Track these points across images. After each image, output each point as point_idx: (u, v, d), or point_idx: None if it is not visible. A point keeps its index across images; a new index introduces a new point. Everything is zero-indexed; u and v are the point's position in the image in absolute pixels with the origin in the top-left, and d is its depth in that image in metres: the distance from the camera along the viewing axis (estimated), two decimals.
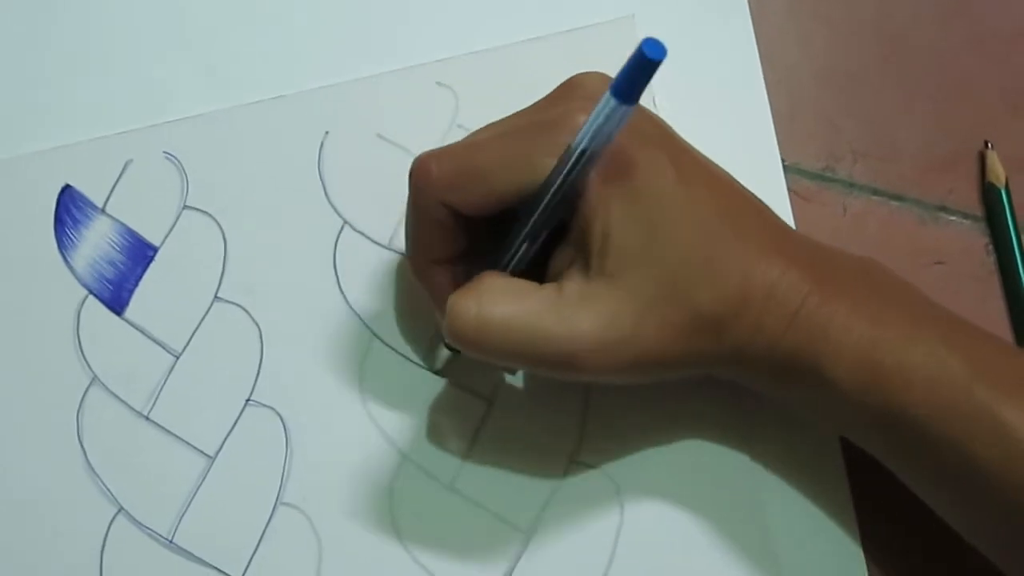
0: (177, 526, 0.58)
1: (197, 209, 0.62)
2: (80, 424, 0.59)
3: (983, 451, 0.46)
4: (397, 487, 0.58)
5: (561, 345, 0.47)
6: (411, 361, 0.60)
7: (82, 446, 0.59)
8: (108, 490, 0.58)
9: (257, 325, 0.60)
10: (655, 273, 0.47)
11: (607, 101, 0.44)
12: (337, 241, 0.61)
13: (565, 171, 0.47)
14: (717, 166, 0.51)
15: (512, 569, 0.58)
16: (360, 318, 0.60)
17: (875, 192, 0.62)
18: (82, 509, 0.58)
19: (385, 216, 0.61)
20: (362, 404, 0.59)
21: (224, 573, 0.58)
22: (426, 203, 0.50)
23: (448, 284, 0.52)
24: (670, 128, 0.51)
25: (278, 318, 0.60)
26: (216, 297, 0.60)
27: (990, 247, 0.62)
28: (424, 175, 0.49)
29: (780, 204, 0.62)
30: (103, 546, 0.58)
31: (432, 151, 0.50)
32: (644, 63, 0.41)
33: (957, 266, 0.61)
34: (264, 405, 0.59)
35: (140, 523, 0.58)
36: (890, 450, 0.50)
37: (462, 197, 0.49)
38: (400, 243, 0.61)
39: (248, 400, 0.59)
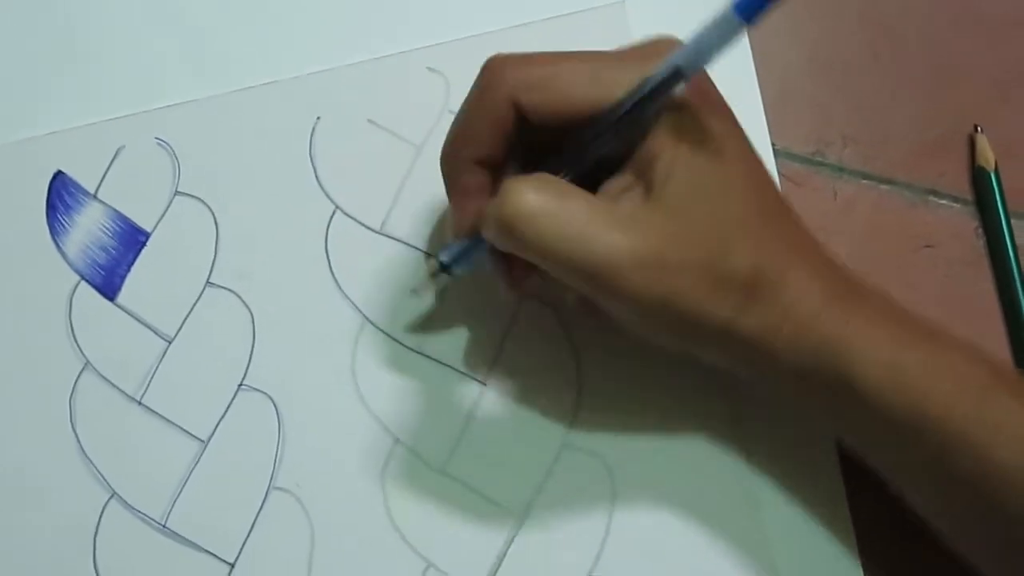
0: (170, 511, 0.57)
1: (189, 195, 0.61)
2: (73, 409, 0.58)
3: (1007, 458, 0.45)
4: (389, 471, 0.57)
5: (609, 252, 0.46)
6: (403, 345, 0.59)
7: (75, 431, 0.58)
8: (101, 475, 0.57)
9: (249, 310, 0.59)
10: (711, 220, 0.47)
11: (726, 15, 0.43)
12: (329, 226, 0.60)
13: (654, 83, 0.46)
14: (767, 170, 0.51)
15: (505, 552, 0.57)
16: (352, 302, 0.59)
17: (865, 176, 0.62)
18: (75, 494, 0.57)
19: (376, 201, 0.61)
20: (354, 388, 0.58)
21: (217, 557, 0.57)
22: (494, 97, 0.48)
23: (476, 186, 0.50)
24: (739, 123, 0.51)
25: (270, 303, 0.59)
26: (208, 282, 0.59)
27: (980, 230, 0.61)
28: (500, 69, 0.48)
29: None
30: (96, 531, 0.57)
31: (511, 53, 0.49)
32: None
33: (947, 249, 0.60)
34: (256, 390, 0.58)
35: (133, 508, 0.57)
36: (906, 457, 0.49)
37: (536, 97, 0.47)
38: (392, 228, 0.60)
39: (240, 385, 0.58)
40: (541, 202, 0.46)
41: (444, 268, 0.55)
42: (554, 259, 0.47)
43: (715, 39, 0.44)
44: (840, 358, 0.47)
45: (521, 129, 0.49)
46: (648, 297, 0.46)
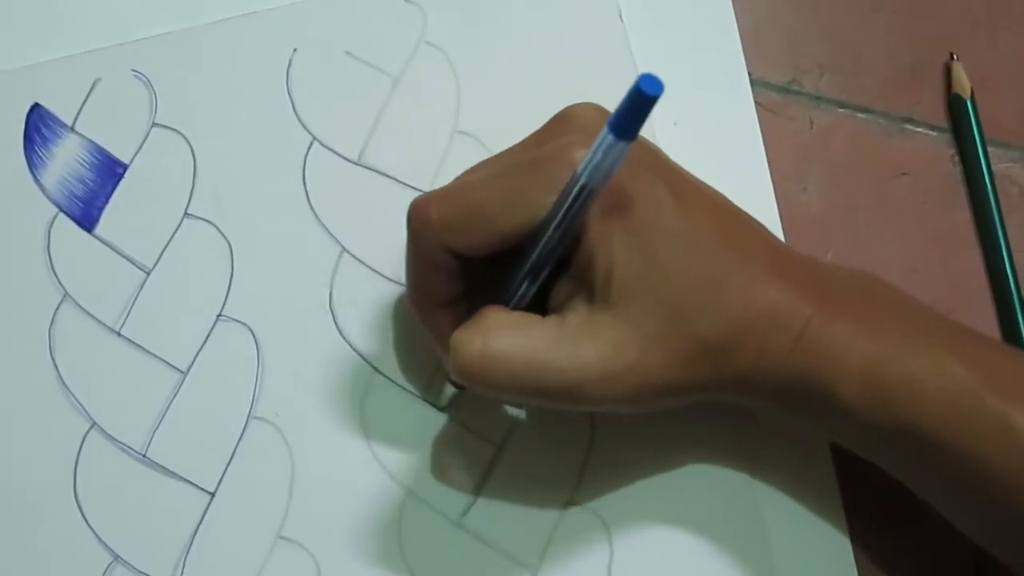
0: (150, 440, 0.54)
1: (166, 127, 0.58)
2: (52, 341, 0.55)
3: (997, 459, 0.43)
4: (369, 400, 0.55)
5: (566, 376, 0.44)
6: (381, 275, 0.56)
7: (54, 362, 0.55)
8: (81, 405, 0.54)
9: (227, 241, 0.56)
10: (658, 302, 0.44)
11: (604, 137, 0.40)
12: (306, 157, 0.57)
13: (565, 207, 0.43)
14: (713, 189, 0.48)
15: (484, 482, 0.55)
16: (329, 232, 0.56)
17: (841, 105, 0.59)
18: (55, 425, 0.55)
19: (354, 132, 0.58)
20: (332, 317, 0.56)
21: (197, 486, 0.54)
22: (426, 247, 0.47)
23: (450, 325, 0.48)
24: (663, 154, 0.48)
25: (248, 234, 0.57)
26: (186, 213, 0.57)
27: (956, 158, 0.58)
28: (423, 219, 0.46)
29: (747, 118, 0.58)
30: (76, 461, 0.54)
31: (429, 194, 0.47)
32: (642, 100, 0.38)
33: (923, 177, 0.58)
34: (235, 320, 0.56)
35: (113, 438, 0.54)
36: (903, 464, 0.47)
37: (463, 239, 0.46)
38: (369, 159, 0.58)
39: (219, 315, 0.56)
40: (489, 347, 0.45)
41: (456, 384, 0.54)
42: (517, 396, 0.46)
43: (603, 158, 0.41)
44: (821, 379, 0.45)
45: (467, 259, 0.47)
46: (621, 396, 0.45)
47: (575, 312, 0.46)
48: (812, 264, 0.49)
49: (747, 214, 0.49)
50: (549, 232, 0.44)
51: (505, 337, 0.45)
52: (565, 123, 0.47)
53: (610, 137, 0.40)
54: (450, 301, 0.49)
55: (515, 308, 0.48)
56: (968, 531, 0.48)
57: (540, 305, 0.48)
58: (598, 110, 0.47)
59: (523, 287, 0.47)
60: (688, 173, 0.48)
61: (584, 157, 0.42)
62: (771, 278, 0.46)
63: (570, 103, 0.48)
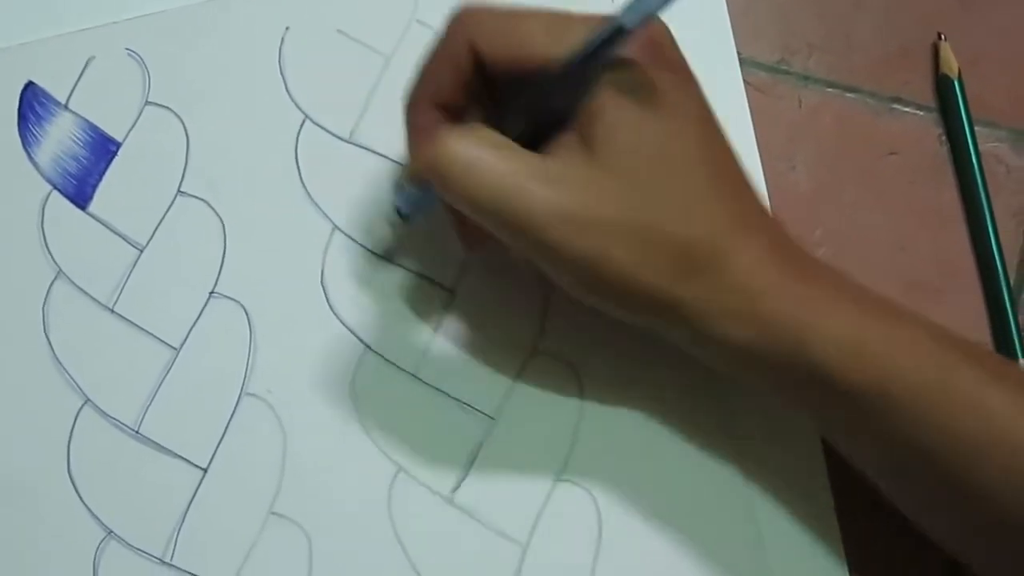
0: (143, 417, 0.54)
1: (159, 105, 0.57)
2: (46, 317, 0.55)
3: (970, 432, 0.42)
4: (360, 376, 0.54)
5: (536, 207, 0.43)
6: (372, 252, 0.55)
7: (48, 339, 0.54)
8: (74, 382, 0.54)
9: (220, 218, 0.56)
10: (650, 183, 0.43)
11: None
12: (298, 135, 0.57)
13: (598, 41, 0.43)
14: (725, 136, 0.47)
15: (475, 456, 0.54)
16: (321, 210, 0.56)
17: (830, 85, 0.58)
18: (49, 401, 0.54)
19: (345, 110, 0.57)
20: (324, 295, 0.55)
21: (190, 462, 0.54)
22: (456, 43, 0.45)
23: (434, 128, 0.47)
24: (701, 91, 0.47)
25: (241, 211, 0.56)
26: (179, 191, 0.56)
27: (943, 138, 0.58)
28: (463, 18, 0.45)
29: (736, 97, 0.57)
30: (70, 437, 0.54)
31: (477, 4, 0.46)
32: None
33: (911, 157, 0.57)
34: (228, 297, 0.55)
35: (106, 414, 0.54)
36: (866, 430, 0.45)
37: (499, 44, 0.45)
38: (361, 137, 0.57)
39: (212, 292, 0.55)
40: (468, 151, 0.43)
41: (401, 216, 0.52)
42: (479, 210, 0.44)
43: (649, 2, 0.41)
44: (796, 334, 0.43)
45: (483, 79, 0.46)
46: (574, 255, 0.43)
47: (566, 158, 0.44)
48: (791, 236, 0.47)
49: (745, 172, 0.48)
50: (578, 58, 0.43)
51: (491, 150, 0.43)
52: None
53: None
54: (446, 105, 0.48)
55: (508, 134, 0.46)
56: (915, 515, 0.47)
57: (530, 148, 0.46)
58: None
59: (522, 121, 0.46)
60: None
61: (621, 10, 0.41)
62: (758, 226, 0.45)
63: None
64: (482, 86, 0.47)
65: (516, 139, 0.45)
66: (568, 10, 0.45)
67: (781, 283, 0.44)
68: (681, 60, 0.46)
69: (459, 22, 0.46)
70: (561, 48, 0.44)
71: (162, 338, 0.55)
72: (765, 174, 0.56)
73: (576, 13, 0.45)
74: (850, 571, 0.52)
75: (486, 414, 0.54)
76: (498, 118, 0.46)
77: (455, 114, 0.48)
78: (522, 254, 0.45)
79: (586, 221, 0.43)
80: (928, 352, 0.44)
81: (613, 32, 0.42)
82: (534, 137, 0.45)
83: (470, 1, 0.46)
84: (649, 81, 0.44)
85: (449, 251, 0.54)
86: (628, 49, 0.43)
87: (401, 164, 0.56)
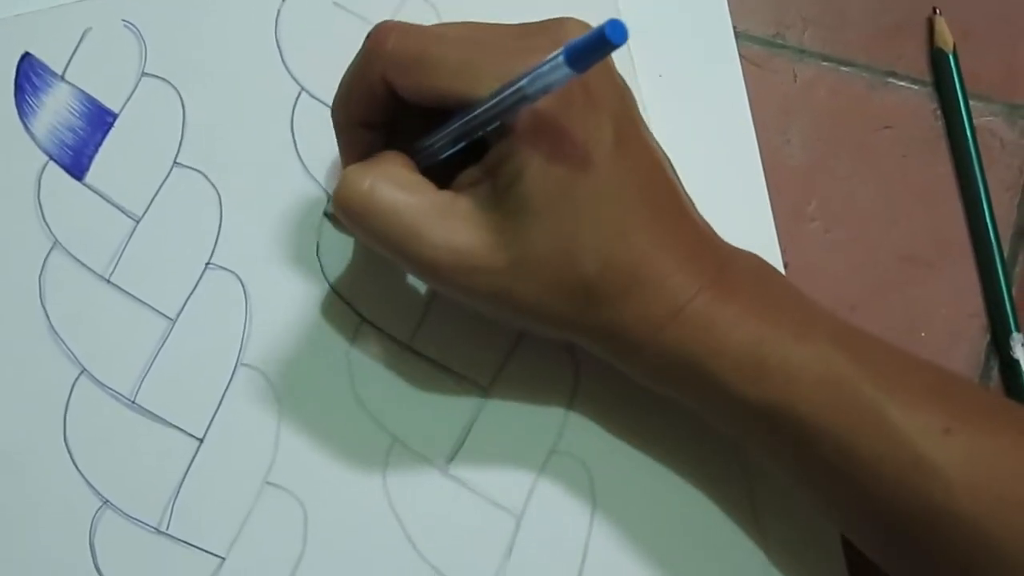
0: (139, 387, 0.52)
1: (156, 76, 0.55)
2: (42, 287, 0.53)
3: (867, 448, 0.42)
4: (355, 347, 0.53)
5: (434, 252, 0.43)
6: None
7: (44, 309, 0.53)
8: (71, 352, 0.52)
9: (216, 190, 0.54)
10: (555, 227, 0.42)
11: (557, 59, 0.38)
12: (295, 107, 0.55)
13: (498, 100, 0.41)
14: (659, 150, 0.46)
15: (470, 427, 0.53)
16: (317, 182, 0.54)
17: (825, 58, 0.57)
18: (45, 371, 0.52)
19: None
20: (319, 267, 0.54)
21: (186, 432, 0.52)
22: (370, 70, 0.44)
23: (361, 144, 0.46)
24: (632, 100, 0.45)
25: (237, 183, 0.54)
26: (175, 163, 0.54)
27: (938, 112, 0.56)
28: (379, 44, 0.44)
29: (731, 71, 0.56)
30: (66, 407, 0.52)
31: (396, 24, 0.44)
32: (604, 43, 0.36)
33: (906, 131, 0.56)
34: (224, 268, 0.53)
35: (102, 384, 0.52)
36: (772, 447, 0.45)
37: (405, 81, 0.43)
38: None
39: (208, 263, 0.53)
40: (374, 193, 0.43)
41: (330, 218, 0.52)
42: (384, 249, 0.44)
43: (550, 76, 0.39)
44: (698, 353, 0.43)
45: (401, 101, 0.45)
46: (472, 292, 0.44)
47: (471, 197, 0.43)
48: (717, 245, 0.46)
49: (679, 184, 0.46)
50: (478, 114, 0.42)
51: (394, 191, 0.43)
52: (546, 31, 0.44)
53: (562, 62, 0.38)
54: (369, 125, 0.46)
55: (421, 164, 0.46)
56: (834, 521, 0.47)
57: (446, 180, 0.46)
58: (585, 28, 0.44)
59: (435, 147, 0.45)
60: (643, 126, 0.45)
61: (523, 76, 0.40)
62: (672, 246, 0.43)
63: None
64: (402, 106, 0.45)
65: (438, 158, 0.45)
66: (484, 37, 0.44)
67: (685, 310, 0.43)
68: (606, 94, 0.43)
69: (372, 50, 0.44)
70: (469, 90, 0.42)
71: (158, 308, 0.53)
72: (760, 147, 0.55)
73: (498, 35, 0.44)
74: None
75: (481, 386, 0.52)
76: (420, 136, 0.46)
77: (378, 126, 0.47)
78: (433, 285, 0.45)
79: (484, 268, 0.43)
80: (830, 368, 0.42)
81: (516, 100, 0.40)
82: (451, 163, 0.45)
83: (386, 21, 0.45)
84: (560, 131, 0.42)
85: None
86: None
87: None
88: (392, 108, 0.45)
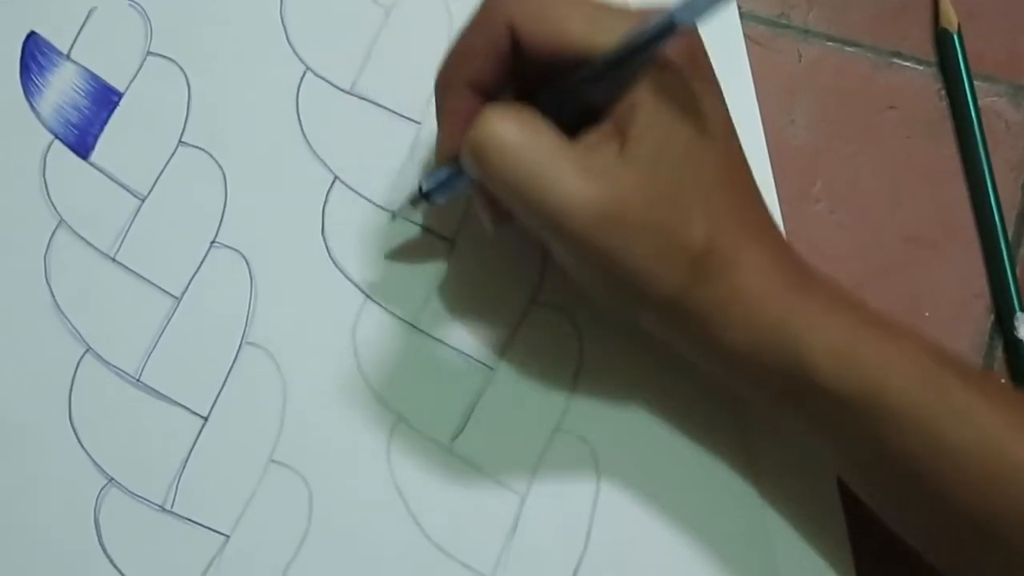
0: (144, 365, 0.51)
1: (161, 55, 0.54)
2: (47, 266, 0.52)
3: (957, 442, 0.41)
4: (360, 326, 0.52)
5: (568, 195, 0.41)
6: (373, 203, 0.53)
7: (50, 287, 0.52)
8: (76, 330, 0.51)
9: (221, 169, 0.53)
10: (677, 185, 0.42)
11: None
12: (300, 86, 0.54)
13: (645, 34, 0.40)
14: (745, 158, 0.46)
15: (473, 406, 0.52)
16: (322, 161, 0.53)
17: (830, 39, 0.56)
18: (50, 349, 0.51)
19: (347, 62, 0.54)
20: (324, 245, 0.53)
21: (190, 411, 0.51)
22: (492, 22, 0.43)
23: (466, 111, 0.44)
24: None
25: (242, 162, 0.53)
26: (180, 141, 0.53)
27: (942, 92, 0.55)
28: None
29: (736, 50, 0.55)
30: (71, 385, 0.51)
31: None
32: None
33: (910, 111, 0.55)
34: (229, 247, 0.53)
35: (107, 362, 0.51)
36: (855, 438, 0.43)
37: (534, 31, 0.42)
38: (362, 89, 0.54)
39: (213, 242, 0.53)
40: (512, 133, 0.41)
41: (425, 196, 0.49)
42: (514, 194, 0.42)
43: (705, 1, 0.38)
44: (793, 341, 0.42)
45: (518, 59, 0.43)
46: (596, 248, 0.42)
47: (600, 150, 0.42)
48: (796, 252, 0.46)
49: (758, 192, 0.46)
50: (621, 49, 0.41)
51: (533, 135, 0.41)
52: (657, 7, 0.42)
53: None
54: (479, 86, 0.45)
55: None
56: (901, 522, 0.46)
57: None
58: None
59: (555, 111, 0.43)
60: None
61: (674, 5, 0.39)
62: (763, 239, 0.44)
63: None
64: (517, 67, 0.44)
65: (560, 113, 0.43)
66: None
67: (781, 292, 0.43)
68: (712, 72, 0.44)
69: (496, 2, 0.43)
70: (601, 39, 0.41)
71: (163, 287, 0.52)
72: (765, 128, 0.54)
73: (617, 5, 0.43)
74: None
75: (485, 364, 0.52)
76: (532, 100, 0.43)
77: (488, 95, 0.45)
78: (546, 241, 0.44)
79: (613, 215, 0.41)
80: (920, 364, 0.42)
81: (664, 28, 0.40)
82: (567, 121, 0.43)
83: None
84: (687, 86, 0.42)
85: (450, 203, 0.51)
86: (667, 51, 0.41)
87: (431, 143, 0.53)
88: (509, 66, 0.44)
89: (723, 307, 0.43)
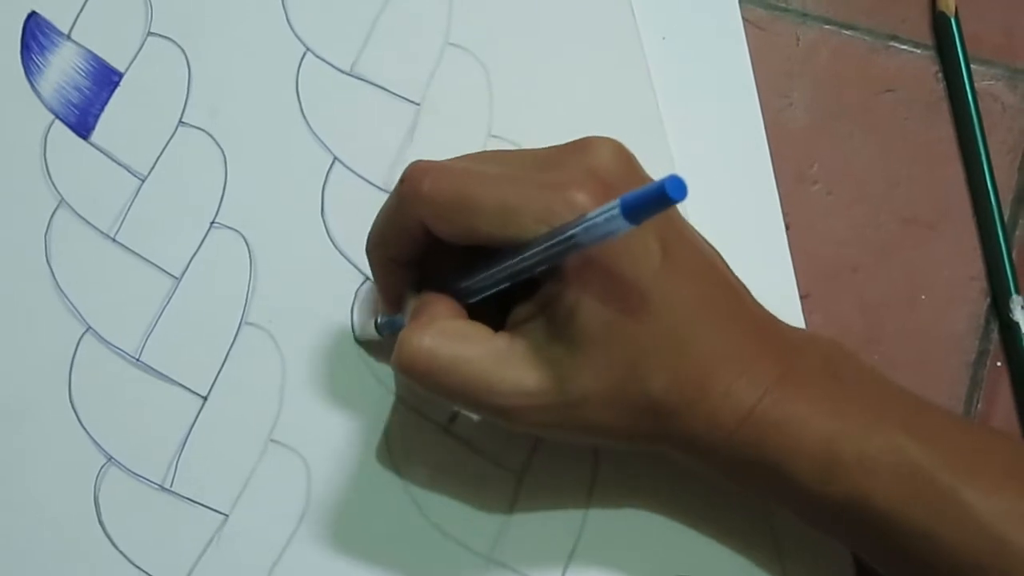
0: (144, 345, 0.49)
1: (162, 36, 0.52)
2: (48, 246, 0.50)
3: (948, 536, 0.38)
4: (358, 305, 0.50)
5: (505, 399, 0.40)
6: (372, 184, 0.51)
7: (50, 267, 0.50)
8: (76, 309, 0.49)
9: (221, 149, 0.51)
10: (616, 353, 0.39)
11: (613, 212, 0.34)
12: (299, 67, 0.52)
13: (549, 247, 0.38)
14: (710, 249, 0.43)
15: None
16: (322, 141, 0.51)
17: (827, 22, 0.53)
18: (50, 328, 0.49)
19: (347, 43, 0.52)
20: (324, 226, 0.51)
21: (190, 390, 0.49)
22: (406, 214, 0.41)
23: (398, 284, 0.44)
24: (673, 209, 0.41)
25: (242, 143, 0.51)
26: (180, 122, 0.51)
27: (940, 75, 0.53)
28: (414, 187, 0.40)
29: (734, 33, 0.52)
30: (71, 364, 0.49)
31: (429, 164, 0.41)
32: (663, 199, 0.32)
33: (908, 94, 0.53)
34: (228, 227, 0.50)
35: (107, 341, 0.49)
36: (854, 538, 0.42)
37: (444, 226, 0.40)
38: (361, 69, 0.52)
39: (213, 222, 0.50)
40: (435, 351, 0.40)
41: (380, 332, 0.48)
42: (455, 403, 0.43)
43: (606, 227, 0.35)
44: (772, 454, 0.40)
45: (438, 240, 0.41)
46: (554, 429, 0.41)
47: (528, 337, 0.40)
48: (783, 335, 0.43)
49: (735, 277, 0.43)
50: (525, 258, 0.39)
51: (452, 345, 0.40)
52: (581, 154, 0.40)
53: (618, 215, 0.34)
54: (400, 260, 0.44)
55: (466, 302, 0.43)
56: None
57: (495, 315, 0.43)
58: (617, 151, 0.41)
59: (482, 287, 0.42)
60: (690, 229, 0.42)
61: (585, 215, 0.36)
62: (734, 350, 0.40)
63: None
64: (438, 244, 0.42)
65: (486, 296, 0.41)
66: (520, 174, 0.40)
67: (754, 413, 0.40)
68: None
69: (408, 194, 0.40)
70: (512, 234, 0.39)
71: (163, 267, 0.50)
72: (763, 110, 0.52)
73: (532, 166, 0.40)
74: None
75: None
76: (459, 270, 0.42)
77: (411, 264, 0.44)
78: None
79: (556, 404, 0.40)
80: (904, 458, 0.39)
81: (566, 243, 0.37)
82: (502, 295, 0.41)
83: (419, 162, 0.41)
84: (604, 260, 0.39)
85: None
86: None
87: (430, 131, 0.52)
88: (428, 246, 0.42)
89: (697, 438, 0.41)
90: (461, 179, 0.40)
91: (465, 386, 0.40)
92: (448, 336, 0.41)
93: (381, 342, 0.48)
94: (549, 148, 0.41)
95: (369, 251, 0.45)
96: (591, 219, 0.36)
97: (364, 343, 0.49)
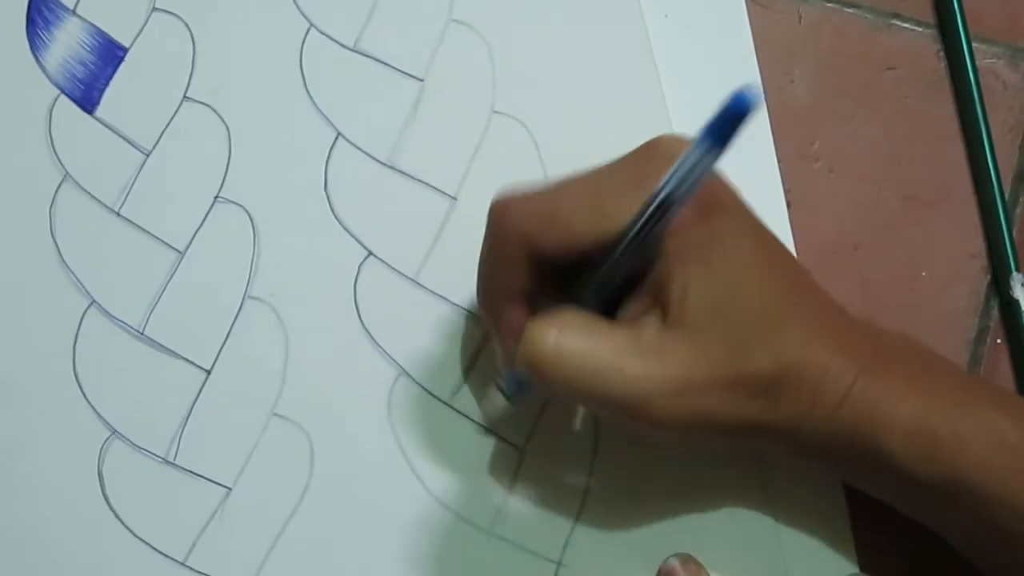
0: (148, 318, 0.47)
1: (166, 11, 0.50)
2: (52, 219, 0.48)
3: None
4: (362, 281, 0.48)
5: (635, 387, 0.38)
6: (375, 160, 0.49)
7: (55, 241, 0.48)
8: (80, 283, 0.47)
9: (225, 124, 0.49)
10: (728, 331, 0.38)
11: (696, 145, 0.33)
12: (303, 43, 0.50)
13: (646, 217, 0.36)
14: (783, 244, 0.42)
15: (474, 363, 0.47)
16: (325, 117, 0.49)
17: (829, 0, 0.50)
18: (55, 302, 0.47)
19: (351, 18, 0.50)
20: (327, 201, 0.48)
21: (194, 364, 0.47)
22: (503, 242, 0.40)
23: (515, 320, 0.41)
24: (746, 203, 0.41)
25: (246, 117, 0.49)
26: (185, 97, 0.49)
27: (941, 54, 0.50)
28: (503, 215, 0.40)
29: (737, 10, 0.50)
30: (76, 337, 0.47)
31: (512, 193, 0.40)
32: (739, 109, 0.32)
33: (909, 72, 0.50)
34: (232, 202, 0.48)
35: (112, 315, 0.47)
36: (949, 518, 0.41)
37: (541, 240, 0.39)
38: (365, 45, 0.50)
39: (217, 197, 0.48)
40: (562, 342, 0.38)
41: (509, 398, 0.46)
42: (581, 396, 0.39)
43: (694, 169, 0.34)
44: (870, 432, 0.38)
45: (542, 260, 0.40)
46: (677, 420, 0.38)
47: (649, 327, 0.39)
48: (862, 324, 0.42)
49: (808, 273, 0.42)
50: (627, 242, 0.37)
51: (580, 336, 0.38)
52: (651, 151, 0.39)
53: (702, 145, 0.33)
54: (518, 297, 0.41)
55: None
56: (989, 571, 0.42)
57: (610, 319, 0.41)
58: (681, 140, 0.39)
59: (592, 296, 0.40)
60: (761, 221, 0.41)
61: (666, 179, 0.35)
62: (825, 333, 0.39)
63: None
64: (546, 267, 0.40)
65: (594, 308, 0.40)
66: (599, 176, 0.39)
67: (855, 385, 0.38)
68: (729, 193, 0.40)
69: (502, 219, 0.40)
70: (610, 226, 0.38)
71: (167, 241, 0.48)
72: (764, 88, 0.50)
73: (612, 172, 0.39)
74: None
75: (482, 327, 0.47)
76: (571, 290, 0.40)
77: (529, 298, 0.42)
78: (623, 425, 0.40)
79: (684, 389, 0.38)
80: (997, 436, 0.38)
81: (661, 204, 0.36)
82: (609, 301, 0.40)
83: (502, 193, 0.40)
84: (707, 236, 0.39)
85: (453, 157, 0.47)
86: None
87: (436, 106, 0.49)
88: (535, 274, 0.40)
89: (803, 416, 0.39)
90: (545, 196, 0.40)
91: (596, 377, 0.38)
92: (575, 327, 0.39)
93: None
94: (618, 159, 0.40)
95: (481, 296, 0.43)
96: (678, 167, 0.35)
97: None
